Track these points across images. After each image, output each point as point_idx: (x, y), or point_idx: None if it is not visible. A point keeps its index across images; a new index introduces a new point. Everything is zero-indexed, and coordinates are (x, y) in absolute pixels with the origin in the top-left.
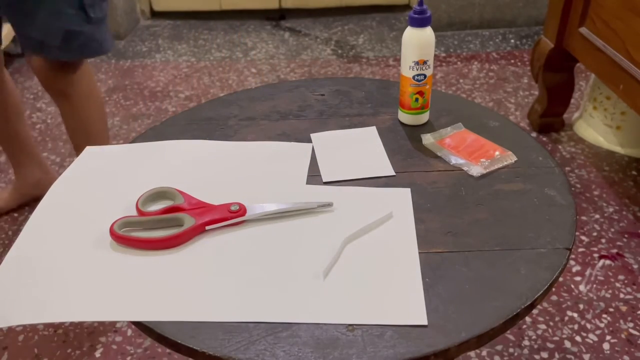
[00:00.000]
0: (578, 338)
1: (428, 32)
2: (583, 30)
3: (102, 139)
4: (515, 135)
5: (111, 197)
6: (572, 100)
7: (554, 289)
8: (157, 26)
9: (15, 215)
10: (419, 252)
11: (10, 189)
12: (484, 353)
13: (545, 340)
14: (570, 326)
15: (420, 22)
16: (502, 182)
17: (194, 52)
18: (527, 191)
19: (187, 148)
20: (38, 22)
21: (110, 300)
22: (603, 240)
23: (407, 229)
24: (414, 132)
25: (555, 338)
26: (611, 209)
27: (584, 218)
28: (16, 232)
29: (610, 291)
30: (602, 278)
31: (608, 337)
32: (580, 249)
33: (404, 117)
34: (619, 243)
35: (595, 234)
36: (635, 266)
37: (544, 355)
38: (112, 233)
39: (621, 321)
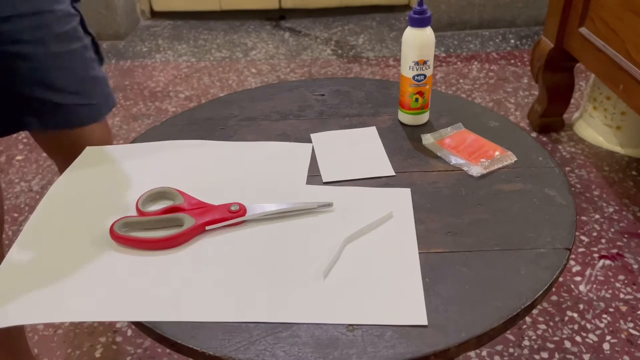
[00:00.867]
0: (578, 338)
1: (428, 32)
2: (583, 30)
3: None
4: (515, 135)
5: (111, 197)
6: (572, 100)
7: (554, 289)
8: (157, 26)
9: (15, 215)
10: (419, 252)
11: None
12: (484, 353)
13: (545, 340)
14: (570, 326)
15: (420, 22)
16: (502, 182)
17: (194, 52)
18: (527, 191)
19: (187, 148)
20: None
21: (110, 300)
22: (603, 240)
23: (407, 229)
24: (414, 132)
25: (555, 338)
26: (611, 209)
27: (584, 218)
28: (16, 232)
29: (610, 291)
30: (602, 278)
31: (608, 337)
32: (580, 249)
33: (404, 117)
34: (619, 243)
35: (595, 234)
36: (635, 266)
37: (544, 355)
38: (112, 233)
39: (621, 321)
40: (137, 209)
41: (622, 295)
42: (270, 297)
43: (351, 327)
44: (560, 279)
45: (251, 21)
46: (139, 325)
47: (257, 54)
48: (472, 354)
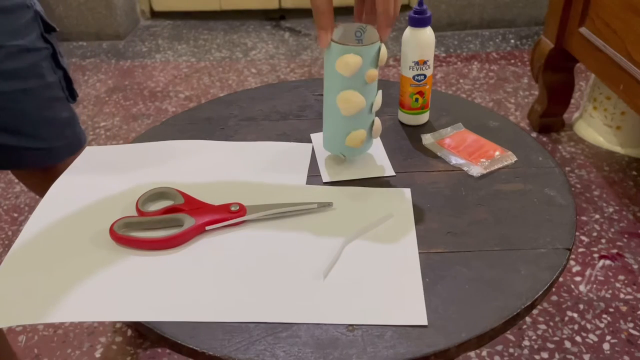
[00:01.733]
0: (578, 338)
1: (428, 32)
2: (583, 30)
3: None
4: (515, 135)
5: (111, 197)
6: (572, 100)
7: (554, 289)
8: (157, 26)
9: (15, 215)
10: (419, 252)
11: None
12: (484, 353)
13: (545, 340)
14: (570, 326)
15: (420, 22)
16: (502, 182)
17: (194, 52)
18: (527, 191)
19: (187, 148)
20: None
21: (110, 300)
22: (603, 241)
23: (407, 229)
24: (414, 132)
25: (555, 338)
26: (611, 209)
27: (584, 218)
28: (16, 232)
29: (610, 291)
30: (602, 278)
31: (608, 337)
32: (580, 249)
33: (404, 117)
34: (619, 243)
35: (595, 234)
36: (635, 266)
37: (544, 355)
38: (112, 233)
39: (621, 321)
40: (137, 209)
41: (622, 296)
42: (270, 297)
43: (351, 327)
44: (560, 279)
45: (251, 21)
46: (139, 325)
47: (257, 54)
48: (472, 354)
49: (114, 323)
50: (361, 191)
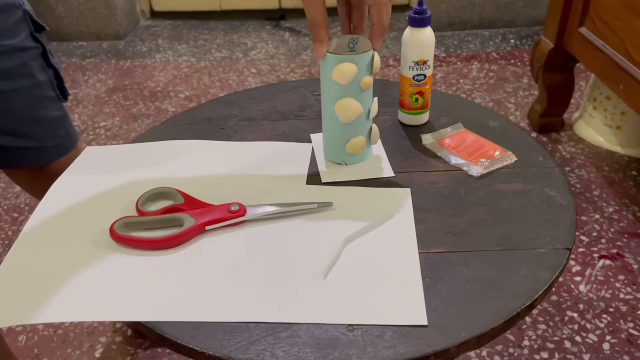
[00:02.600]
0: (578, 338)
1: (428, 32)
2: (583, 30)
3: None
4: (515, 135)
5: (111, 197)
6: (572, 100)
7: (554, 289)
8: (157, 26)
9: (15, 215)
10: (419, 252)
11: None
12: (484, 353)
13: (545, 340)
14: (570, 326)
15: (420, 22)
16: (502, 182)
17: (194, 52)
18: (527, 191)
19: (187, 148)
20: None
21: (110, 300)
22: (603, 240)
23: (407, 229)
24: (414, 132)
25: (555, 338)
26: (611, 209)
27: (584, 218)
28: (16, 232)
29: (610, 291)
30: (602, 278)
31: (608, 337)
32: (580, 249)
33: (404, 117)
34: (619, 243)
35: (595, 234)
36: (635, 266)
37: (544, 355)
38: (112, 233)
39: (621, 321)
40: (137, 209)
41: (622, 295)
42: (270, 297)
43: (351, 327)
44: (560, 279)
45: (251, 21)
46: (139, 325)
47: (257, 54)
48: (472, 354)
49: (114, 323)
50: (361, 191)
